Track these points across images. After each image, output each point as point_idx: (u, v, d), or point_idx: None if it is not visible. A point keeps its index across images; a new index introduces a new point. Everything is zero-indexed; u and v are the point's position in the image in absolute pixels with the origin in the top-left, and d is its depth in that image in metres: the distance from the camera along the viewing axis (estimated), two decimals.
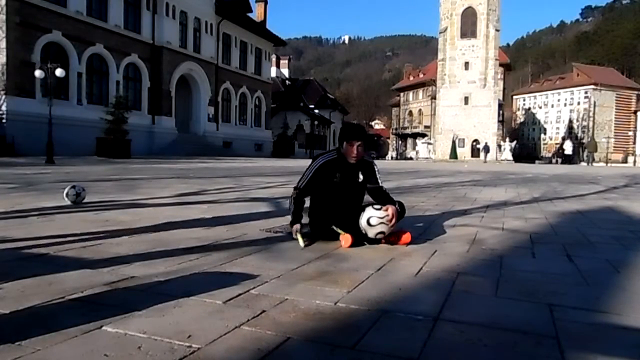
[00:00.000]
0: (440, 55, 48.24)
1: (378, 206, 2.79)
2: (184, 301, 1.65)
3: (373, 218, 2.72)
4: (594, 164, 41.91)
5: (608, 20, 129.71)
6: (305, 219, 3.16)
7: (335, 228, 2.79)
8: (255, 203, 4.96)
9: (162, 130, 26.73)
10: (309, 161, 3.05)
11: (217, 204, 4.77)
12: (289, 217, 3.82)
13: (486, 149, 42.56)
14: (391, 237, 2.79)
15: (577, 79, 73.38)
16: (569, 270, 2.30)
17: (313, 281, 1.97)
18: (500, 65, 50.07)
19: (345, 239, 2.72)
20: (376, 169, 3.11)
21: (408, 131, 64.66)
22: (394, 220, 2.75)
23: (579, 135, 69.82)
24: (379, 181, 3.08)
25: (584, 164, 47.78)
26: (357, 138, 2.89)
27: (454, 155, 43.87)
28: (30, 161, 14.95)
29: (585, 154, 57.61)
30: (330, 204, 2.92)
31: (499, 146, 46.03)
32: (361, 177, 3.00)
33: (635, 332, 1.48)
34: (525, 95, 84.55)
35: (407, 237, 2.81)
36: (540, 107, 79.95)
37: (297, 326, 1.44)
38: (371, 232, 2.73)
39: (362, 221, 2.74)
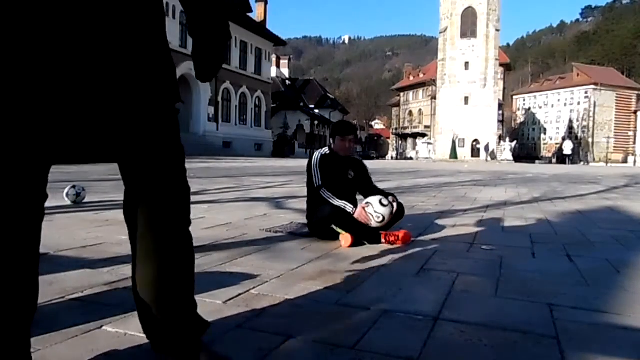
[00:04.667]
0: (440, 55, 48.30)
1: (386, 202, 2.85)
2: None
3: (378, 213, 2.79)
4: (590, 164, 42.02)
5: (608, 20, 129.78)
6: (303, 220, 3.19)
7: (334, 227, 2.79)
8: (255, 203, 4.96)
9: None
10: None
11: (217, 204, 4.77)
12: (288, 217, 3.85)
13: (486, 148, 42.81)
14: (391, 237, 2.79)
15: (577, 79, 73.36)
16: (569, 270, 2.30)
17: (313, 281, 1.97)
18: (500, 65, 50.09)
19: (345, 238, 2.72)
20: (367, 168, 3.20)
21: (408, 131, 64.69)
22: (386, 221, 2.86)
23: (579, 135, 69.80)
24: (372, 180, 3.18)
25: (582, 163, 47.82)
26: (349, 132, 3.04)
27: (454, 155, 43.92)
28: None
29: (582, 154, 57.76)
30: (326, 202, 2.93)
31: (500, 138, 46.20)
32: (352, 174, 3.08)
33: (635, 332, 1.48)
34: (525, 95, 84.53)
35: (407, 237, 2.81)
36: (540, 107, 79.93)
37: (297, 326, 1.44)
38: (374, 222, 2.80)
39: (372, 206, 2.83)
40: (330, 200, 2.86)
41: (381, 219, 2.79)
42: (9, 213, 0.90)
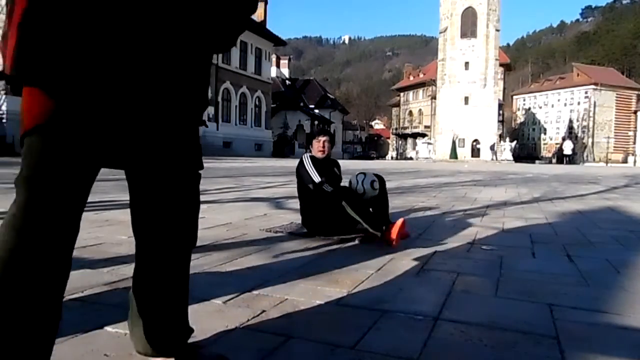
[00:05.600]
0: (440, 55, 48.28)
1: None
2: None
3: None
4: (586, 164, 42.18)
5: (608, 20, 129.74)
6: (299, 220, 3.22)
7: (345, 206, 2.79)
8: (255, 203, 4.96)
9: None
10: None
11: (217, 204, 4.77)
12: (288, 217, 3.85)
13: (492, 148, 43.09)
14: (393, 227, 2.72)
15: (577, 79, 73.32)
16: (569, 270, 2.30)
17: (313, 281, 1.97)
18: (500, 65, 50.06)
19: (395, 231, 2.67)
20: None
21: (408, 131, 64.67)
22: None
23: (579, 135, 69.77)
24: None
25: (581, 163, 47.91)
26: (323, 134, 3.14)
27: (454, 155, 43.90)
28: None
29: (584, 154, 57.79)
30: (324, 202, 2.96)
31: (500, 138, 46.39)
32: (337, 172, 3.21)
33: (635, 332, 1.48)
34: (525, 95, 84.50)
35: (402, 229, 2.71)
36: (541, 107, 79.90)
37: (297, 326, 1.44)
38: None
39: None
40: (330, 191, 2.94)
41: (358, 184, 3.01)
42: (57, 210, 0.91)
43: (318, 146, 3.09)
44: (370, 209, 2.93)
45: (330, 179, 3.04)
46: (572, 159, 45.66)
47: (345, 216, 2.79)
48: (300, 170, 3.05)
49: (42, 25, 0.86)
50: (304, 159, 3.07)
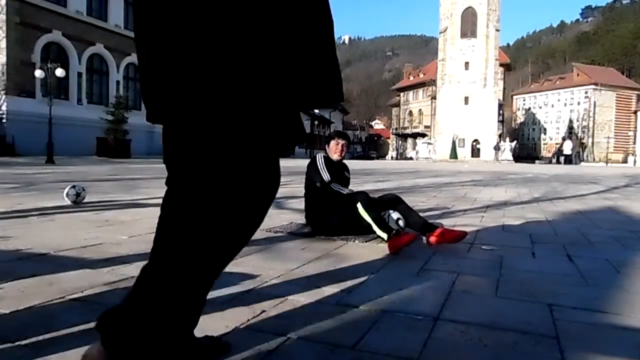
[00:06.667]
0: (440, 55, 48.36)
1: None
2: None
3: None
4: (584, 164, 42.25)
5: (608, 20, 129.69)
6: (303, 220, 3.23)
7: (359, 207, 2.77)
8: None
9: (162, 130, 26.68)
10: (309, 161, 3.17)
11: None
12: (288, 217, 3.85)
13: (496, 148, 43.11)
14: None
15: (577, 79, 73.37)
16: (569, 270, 2.29)
17: (313, 281, 1.97)
18: (500, 65, 50.09)
19: (397, 243, 2.58)
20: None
21: (408, 131, 64.73)
22: None
23: (579, 135, 69.79)
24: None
25: (583, 164, 47.91)
26: (343, 137, 3.18)
27: (454, 155, 43.95)
28: (30, 161, 14.97)
29: (584, 154, 57.80)
30: (330, 201, 2.97)
31: (500, 138, 46.38)
32: (347, 175, 3.25)
33: (635, 332, 1.48)
34: (525, 95, 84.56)
35: (406, 240, 2.70)
36: (541, 107, 79.95)
37: (297, 326, 1.44)
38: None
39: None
40: (342, 191, 2.97)
41: None
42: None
43: (336, 148, 3.12)
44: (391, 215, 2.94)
45: (340, 182, 3.07)
46: (569, 159, 45.57)
47: (354, 218, 2.79)
48: (311, 168, 3.08)
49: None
50: (317, 159, 3.09)
